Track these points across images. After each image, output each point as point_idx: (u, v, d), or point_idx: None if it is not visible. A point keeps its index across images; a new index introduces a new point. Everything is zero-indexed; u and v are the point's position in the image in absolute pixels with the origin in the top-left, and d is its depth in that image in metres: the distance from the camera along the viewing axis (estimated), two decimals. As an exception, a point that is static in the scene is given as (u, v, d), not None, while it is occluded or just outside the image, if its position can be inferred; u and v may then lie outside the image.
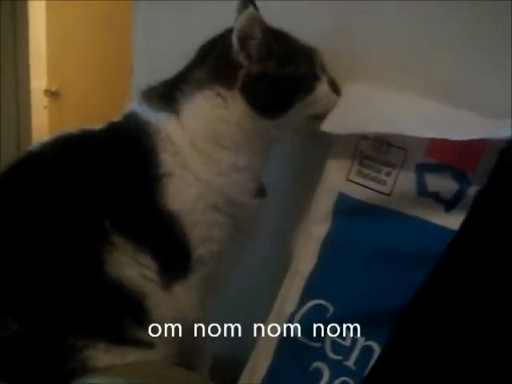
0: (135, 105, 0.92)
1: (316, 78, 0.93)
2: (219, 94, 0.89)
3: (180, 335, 0.90)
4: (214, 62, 0.90)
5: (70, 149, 0.88)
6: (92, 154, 0.87)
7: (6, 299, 0.79)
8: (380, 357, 0.86)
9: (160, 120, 0.88)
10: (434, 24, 0.93)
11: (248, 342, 1.05)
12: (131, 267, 0.84)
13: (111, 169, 0.86)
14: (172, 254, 0.87)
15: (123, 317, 0.83)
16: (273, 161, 0.98)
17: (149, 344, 0.86)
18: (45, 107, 3.23)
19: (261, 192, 0.95)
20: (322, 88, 0.94)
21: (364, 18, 0.97)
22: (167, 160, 0.86)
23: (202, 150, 0.87)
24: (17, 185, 0.85)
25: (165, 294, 0.87)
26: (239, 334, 1.14)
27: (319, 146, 1.01)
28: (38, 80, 3.10)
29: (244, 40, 0.87)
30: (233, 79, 0.88)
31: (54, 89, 3.17)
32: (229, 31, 0.90)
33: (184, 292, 0.88)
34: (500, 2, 0.85)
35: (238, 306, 1.18)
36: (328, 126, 0.95)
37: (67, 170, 0.85)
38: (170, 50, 1.00)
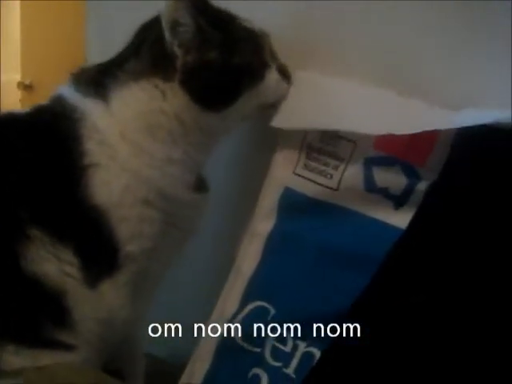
0: (64, 87, 0.86)
1: (265, 66, 0.86)
2: (157, 86, 0.82)
3: (107, 337, 0.84)
4: (149, 52, 0.83)
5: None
6: (13, 139, 0.81)
7: None
8: (318, 363, 0.80)
9: (87, 106, 0.82)
10: (427, 21, 0.88)
11: (189, 344, 0.99)
12: (50, 262, 0.78)
13: (31, 155, 0.80)
14: (97, 249, 0.81)
15: (39, 316, 0.78)
16: (217, 154, 0.92)
17: (68, 346, 0.80)
18: (19, 101, 3.17)
19: (201, 186, 0.89)
20: (272, 76, 0.87)
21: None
22: (93, 149, 0.80)
23: (132, 141, 0.81)
24: None
25: (89, 292, 0.81)
26: (180, 335, 1.08)
27: (267, 139, 0.95)
28: (11, 72, 3.05)
29: (174, 28, 0.80)
30: (170, 70, 0.82)
31: (27, 81, 3.11)
32: (157, 18, 0.84)
33: (111, 290, 0.82)
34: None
35: (180, 306, 1.13)
36: (279, 121, 0.90)
37: None
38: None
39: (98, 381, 0.79)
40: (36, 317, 0.78)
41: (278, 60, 0.90)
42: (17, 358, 0.76)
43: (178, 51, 0.81)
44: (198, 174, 0.88)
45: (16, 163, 0.79)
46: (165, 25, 0.80)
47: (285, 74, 0.89)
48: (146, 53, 0.84)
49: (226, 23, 0.85)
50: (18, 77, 3.13)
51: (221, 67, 0.83)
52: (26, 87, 3.12)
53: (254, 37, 0.87)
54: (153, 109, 0.82)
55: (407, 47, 0.87)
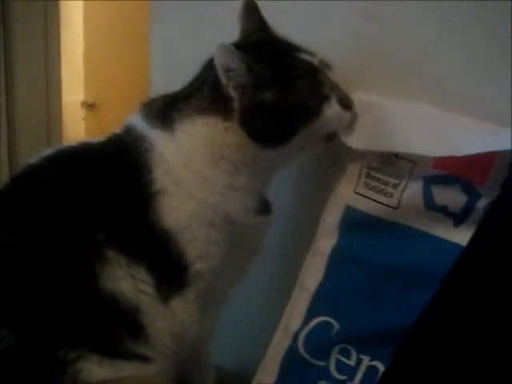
0: (134, 117, 0.90)
1: (323, 101, 0.87)
2: (218, 124, 0.85)
3: (179, 350, 0.88)
4: (209, 91, 0.87)
5: (68, 163, 0.87)
6: (89, 168, 0.86)
7: (3, 312, 0.79)
8: (382, 377, 0.82)
9: (155, 137, 0.86)
10: (428, 21, 0.90)
11: (256, 358, 1.03)
12: (126, 281, 0.82)
13: (106, 183, 0.84)
14: (168, 268, 0.85)
15: (118, 330, 0.81)
16: (280, 175, 0.95)
17: (145, 358, 0.84)
18: (83, 119, 3.28)
19: (264, 209, 0.91)
20: (331, 110, 0.87)
21: (369, 25, 0.94)
22: (161, 177, 0.84)
23: (195, 171, 0.85)
24: (16, 199, 0.85)
25: (162, 308, 0.85)
26: (248, 349, 1.11)
27: (329, 159, 0.98)
28: (76, 93, 3.16)
29: (226, 72, 0.82)
30: (229, 110, 0.84)
31: (90, 101, 3.22)
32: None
33: (182, 306, 0.86)
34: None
35: (248, 320, 1.15)
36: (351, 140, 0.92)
37: (64, 183, 0.84)
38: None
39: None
40: (115, 330, 0.81)
41: (338, 90, 0.90)
42: (99, 369, 0.79)
43: (233, 93, 0.84)
44: (261, 197, 0.91)
45: (93, 190, 0.84)
46: (218, 69, 0.82)
47: (346, 103, 0.90)
48: (207, 91, 0.87)
49: (281, 59, 0.87)
50: (81, 96, 3.24)
51: (276, 107, 0.84)
52: (89, 106, 3.23)
53: (312, 72, 0.87)
54: (216, 141, 0.85)
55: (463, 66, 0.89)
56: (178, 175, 0.84)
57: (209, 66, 0.88)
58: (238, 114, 0.84)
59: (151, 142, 0.86)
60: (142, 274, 0.83)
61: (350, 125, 0.90)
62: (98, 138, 0.91)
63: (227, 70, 0.82)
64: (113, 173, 0.85)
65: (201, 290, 0.87)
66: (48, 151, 0.88)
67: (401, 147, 0.87)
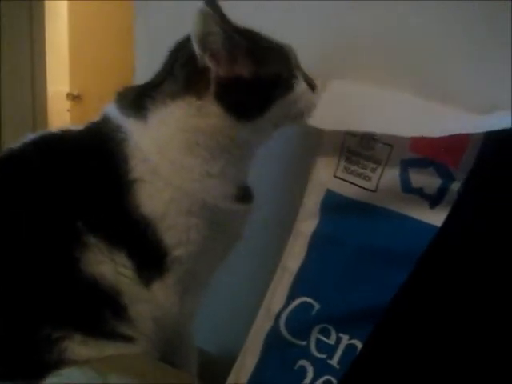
0: (110, 107, 0.90)
1: (293, 76, 0.89)
2: (192, 104, 0.85)
3: (161, 332, 0.89)
4: (182, 71, 0.87)
5: (49, 149, 0.88)
6: (69, 156, 0.86)
7: None
8: (360, 354, 0.84)
9: (130, 126, 0.86)
10: (428, 21, 0.92)
11: (238, 340, 1.05)
12: (106, 264, 0.83)
13: (85, 172, 0.85)
14: (147, 254, 0.86)
15: (101, 310, 0.83)
16: (260, 160, 0.96)
17: (129, 338, 0.85)
18: (68, 110, 3.28)
19: (244, 197, 0.92)
20: (301, 86, 0.90)
21: (356, 12, 0.96)
22: (137, 166, 0.84)
23: (171, 159, 0.85)
24: None
25: (142, 292, 0.86)
26: (230, 331, 1.13)
27: (307, 144, 1.00)
28: (61, 84, 3.16)
29: (204, 40, 0.82)
30: (204, 86, 0.85)
31: (75, 92, 3.22)
32: (186, 39, 0.88)
33: (162, 290, 0.87)
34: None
35: (229, 302, 1.17)
36: (316, 120, 0.93)
37: (44, 170, 0.85)
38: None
39: (162, 370, 0.85)
40: (98, 311, 0.83)
41: (303, 71, 0.93)
42: (84, 348, 0.81)
43: (209, 63, 0.83)
44: (241, 184, 0.91)
45: (72, 178, 0.84)
46: (194, 38, 0.82)
47: (310, 84, 0.92)
48: (180, 72, 0.87)
49: (254, 35, 0.88)
50: (66, 88, 3.24)
51: (252, 77, 0.85)
52: (74, 97, 3.23)
53: (280, 48, 0.90)
54: (189, 127, 0.86)
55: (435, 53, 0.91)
56: (154, 164, 0.85)
57: (177, 49, 0.90)
58: (214, 86, 0.84)
59: (126, 131, 0.86)
60: (122, 258, 0.84)
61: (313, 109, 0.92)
62: (79, 126, 0.91)
63: (204, 37, 0.81)
64: (92, 162, 0.85)
65: (180, 275, 0.88)
66: (31, 136, 0.89)
67: (377, 128, 0.88)
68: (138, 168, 0.84)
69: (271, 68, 0.86)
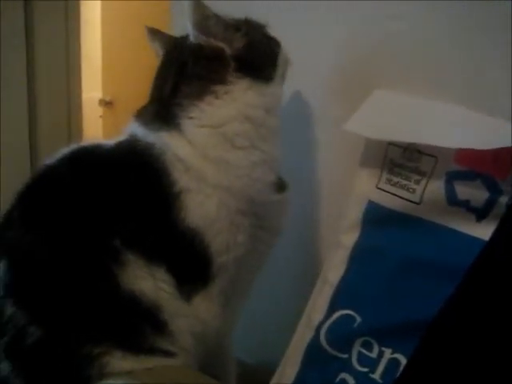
0: (135, 126, 0.90)
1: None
2: (218, 94, 0.87)
3: (201, 346, 0.90)
4: (195, 68, 0.89)
5: (84, 167, 0.88)
6: (104, 174, 0.86)
7: (31, 309, 0.81)
8: (404, 370, 0.83)
9: (163, 140, 0.86)
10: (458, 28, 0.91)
11: (278, 351, 1.04)
12: (145, 280, 0.83)
13: (121, 189, 0.85)
14: (190, 267, 0.86)
15: (141, 326, 0.83)
16: (302, 170, 0.96)
17: (169, 353, 0.85)
18: (100, 117, 3.31)
19: (281, 187, 0.93)
20: (283, 49, 0.97)
21: (398, 20, 0.95)
22: (180, 177, 0.84)
23: (216, 159, 0.85)
24: (34, 202, 0.87)
25: (182, 306, 0.86)
26: (270, 343, 1.13)
27: (352, 155, 0.99)
28: (93, 90, 3.19)
29: (203, 25, 0.86)
30: (223, 69, 0.88)
31: (108, 98, 3.25)
32: (182, 38, 0.93)
33: (204, 303, 0.87)
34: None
35: (269, 313, 1.17)
36: (353, 126, 0.94)
37: (80, 188, 0.85)
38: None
39: (202, 381, 0.85)
40: (138, 327, 0.83)
41: None
42: (124, 363, 0.81)
43: (220, 44, 0.87)
44: (278, 171, 0.92)
45: (108, 197, 0.84)
46: (195, 27, 0.86)
47: None
48: (193, 70, 0.89)
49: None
50: (99, 94, 3.27)
51: (258, 42, 0.91)
52: (106, 104, 3.26)
53: (248, 19, 0.95)
54: (223, 120, 0.87)
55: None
56: (199, 170, 0.85)
57: (171, 57, 0.93)
58: (233, 62, 0.88)
59: (161, 145, 0.86)
60: (161, 274, 0.84)
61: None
62: (109, 141, 0.91)
63: (203, 22, 0.86)
64: (128, 179, 0.85)
65: (224, 284, 0.88)
66: (64, 151, 0.89)
67: (422, 139, 0.87)
68: (183, 179, 0.84)
69: (264, 33, 0.93)
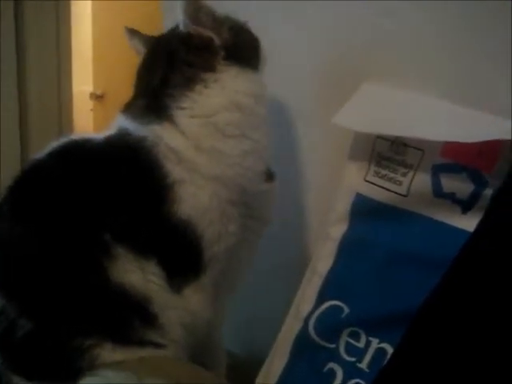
0: (124, 120, 0.90)
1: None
2: (207, 82, 0.88)
3: (191, 337, 0.90)
4: (186, 57, 0.90)
5: (74, 161, 0.88)
6: (94, 168, 0.87)
7: (21, 302, 0.82)
8: (390, 359, 0.84)
9: (155, 132, 0.86)
10: (447, 25, 0.92)
11: (267, 341, 1.05)
12: (135, 273, 0.84)
13: (111, 183, 0.85)
14: (182, 258, 0.87)
15: (130, 319, 0.84)
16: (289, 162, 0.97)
17: (159, 345, 0.86)
18: (91, 110, 3.31)
19: (270, 176, 0.94)
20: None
21: (380, 19, 0.96)
22: (173, 169, 0.85)
23: (208, 149, 0.86)
24: (24, 196, 0.87)
25: (173, 298, 0.87)
26: (258, 334, 1.14)
27: (339, 148, 1.00)
28: (84, 84, 3.18)
29: (195, 16, 0.88)
30: (212, 57, 0.89)
31: (99, 92, 3.25)
32: (167, 31, 0.95)
33: (195, 294, 0.88)
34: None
35: (257, 304, 1.18)
36: (341, 119, 0.95)
37: (70, 182, 0.85)
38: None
39: (193, 371, 0.86)
40: (128, 319, 0.83)
41: None
42: (114, 355, 0.82)
43: (211, 33, 0.89)
44: (267, 161, 0.93)
45: (98, 191, 0.84)
46: (186, 17, 0.87)
47: None
48: (183, 59, 0.90)
49: None
50: (89, 88, 3.26)
51: (242, 34, 0.94)
52: (97, 97, 3.26)
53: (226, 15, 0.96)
54: (214, 109, 0.87)
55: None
56: (192, 161, 0.85)
57: (156, 50, 0.95)
58: (224, 51, 0.90)
59: (153, 138, 0.86)
60: (151, 267, 0.85)
61: None
62: (98, 135, 0.91)
63: (196, 13, 0.88)
64: (118, 173, 0.85)
65: (215, 274, 0.89)
66: (53, 145, 0.89)
67: (409, 132, 0.89)
68: (175, 170, 0.85)
69: (241, 27, 0.95)
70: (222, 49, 0.89)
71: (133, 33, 1.01)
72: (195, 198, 0.85)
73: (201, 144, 0.86)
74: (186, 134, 0.86)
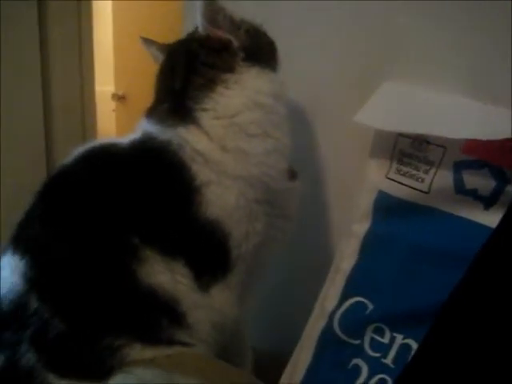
0: (148, 124, 0.92)
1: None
2: (228, 83, 0.90)
3: (219, 335, 0.92)
4: (207, 59, 0.92)
5: (101, 166, 0.89)
6: (122, 173, 0.88)
7: (54, 304, 0.84)
8: (415, 355, 0.85)
9: (180, 135, 0.88)
10: (468, 22, 0.92)
11: (293, 338, 1.06)
12: (163, 275, 0.85)
13: (139, 187, 0.87)
14: (210, 258, 0.88)
15: (159, 319, 0.86)
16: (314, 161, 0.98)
17: (187, 344, 0.88)
18: (113, 111, 3.34)
19: (292, 175, 0.96)
20: None
21: (399, 17, 0.97)
22: (200, 171, 0.86)
23: (233, 149, 0.88)
24: (54, 201, 0.89)
25: (201, 298, 0.88)
26: (284, 330, 1.15)
27: (361, 146, 1.01)
28: (106, 85, 3.21)
29: (214, 18, 0.90)
30: (231, 59, 0.91)
31: (121, 93, 3.28)
32: (186, 36, 0.98)
33: (222, 293, 0.90)
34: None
35: (283, 302, 1.19)
36: (363, 117, 0.96)
37: (97, 187, 0.87)
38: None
39: (222, 368, 0.87)
40: (156, 320, 0.85)
41: None
42: (143, 353, 0.84)
43: (230, 36, 0.91)
44: (289, 160, 0.95)
45: (125, 195, 0.86)
46: (205, 19, 0.90)
47: None
48: (204, 61, 0.92)
49: None
50: (111, 88, 3.29)
51: (263, 39, 0.96)
52: (119, 98, 3.29)
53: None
54: (236, 109, 0.89)
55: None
56: (218, 162, 0.87)
57: (176, 54, 0.97)
58: (242, 53, 0.92)
59: (179, 141, 0.87)
60: (179, 267, 0.86)
61: None
62: (122, 139, 0.92)
63: (214, 16, 0.91)
64: (145, 177, 0.87)
65: (243, 273, 0.91)
66: (80, 150, 0.91)
67: (430, 130, 0.89)
68: (202, 172, 0.86)
69: (257, 30, 0.97)
70: (241, 50, 0.91)
71: (149, 42, 1.04)
72: (222, 199, 0.86)
73: (226, 145, 0.87)
74: (211, 136, 0.88)
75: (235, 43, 0.92)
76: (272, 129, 0.91)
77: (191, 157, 0.87)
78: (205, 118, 0.89)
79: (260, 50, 0.94)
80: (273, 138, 0.91)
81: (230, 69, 0.91)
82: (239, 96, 0.90)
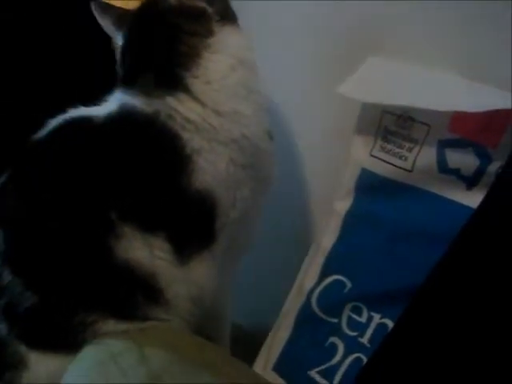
0: (125, 98, 0.88)
1: None
2: (212, 46, 0.88)
3: (198, 310, 0.90)
4: (187, 27, 0.89)
5: (77, 140, 0.87)
6: (99, 148, 0.85)
7: (27, 277, 0.82)
8: (389, 333, 0.84)
9: (170, 105, 0.85)
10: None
11: (272, 314, 1.06)
12: (141, 250, 0.83)
13: (118, 163, 0.84)
14: (193, 229, 0.86)
15: (135, 295, 0.84)
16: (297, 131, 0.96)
17: (163, 320, 0.86)
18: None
19: (270, 135, 0.94)
20: None
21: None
22: (192, 139, 0.84)
23: (227, 111, 0.86)
24: (28, 175, 0.87)
25: (180, 272, 0.86)
26: (263, 306, 1.15)
27: (345, 123, 1.00)
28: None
29: None
30: (208, 24, 0.90)
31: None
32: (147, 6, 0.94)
33: (202, 266, 0.87)
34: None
35: (262, 278, 1.18)
36: (347, 90, 0.94)
37: (74, 162, 0.85)
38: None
39: (196, 343, 0.86)
40: (132, 296, 0.83)
41: None
42: (116, 328, 0.82)
43: (203, 4, 0.90)
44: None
45: (104, 169, 0.84)
46: None
47: None
48: (185, 30, 0.89)
49: None
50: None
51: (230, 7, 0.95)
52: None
53: None
54: (224, 71, 0.87)
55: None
56: (210, 128, 0.85)
57: (146, 25, 0.93)
58: (218, 17, 0.90)
59: (168, 112, 0.85)
60: (158, 242, 0.84)
61: None
62: (95, 110, 0.89)
63: None
64: (129, 151, 0.84)
65: (226, 242, 0.89)
66: (53, 124, 0.88)
67: (415, 103, 0.87)
68: (194, 139, 0.84)
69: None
70: (215, 13, 0.90)
71: (105, 8, 0.97)
72: (214, 166, 0.84)
73: (220, 109, 0.86)
74: (204, 101, 0.86)
75: (209, 8, 0.90)
76: (256, 85, 0.90)
77: (182, 126, 0.84)
78: (196, 84, 0.86)
79: (231, 14, 0.94)
80: (258, 94, 0.90)
81: (211, 33, 0.89)
82: (225, 57, 0.88)
